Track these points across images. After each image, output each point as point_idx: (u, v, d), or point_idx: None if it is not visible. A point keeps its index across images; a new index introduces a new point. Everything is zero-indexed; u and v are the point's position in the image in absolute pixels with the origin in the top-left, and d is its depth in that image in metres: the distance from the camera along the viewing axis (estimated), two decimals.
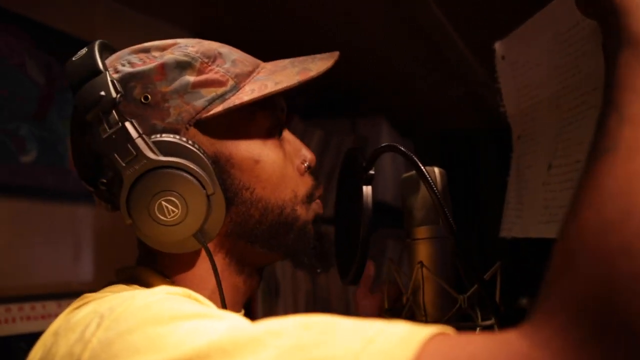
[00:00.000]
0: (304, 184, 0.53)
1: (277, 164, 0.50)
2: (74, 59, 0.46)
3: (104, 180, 0.46)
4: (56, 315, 1.11)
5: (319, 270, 0.58)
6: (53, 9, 1.19)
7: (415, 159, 0.48)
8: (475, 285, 0.51)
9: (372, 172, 0.54)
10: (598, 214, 0.25)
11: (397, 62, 1.19)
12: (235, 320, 0.34)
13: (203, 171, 0.44)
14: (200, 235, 0.45)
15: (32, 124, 1.12)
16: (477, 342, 0.26)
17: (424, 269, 0.53)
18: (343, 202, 0.62)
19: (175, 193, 0.43)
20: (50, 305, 1.02)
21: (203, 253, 0.48)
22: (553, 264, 0.26)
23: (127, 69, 0.46)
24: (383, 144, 0.53)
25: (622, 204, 0.24)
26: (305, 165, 0.54)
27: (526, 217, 0.57)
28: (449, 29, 1.04)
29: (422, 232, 0.56)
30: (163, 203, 0.43)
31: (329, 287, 1.72)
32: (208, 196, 0.44)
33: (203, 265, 0.48)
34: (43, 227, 1.14)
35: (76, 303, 0.42)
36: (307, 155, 0.54)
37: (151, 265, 0.49)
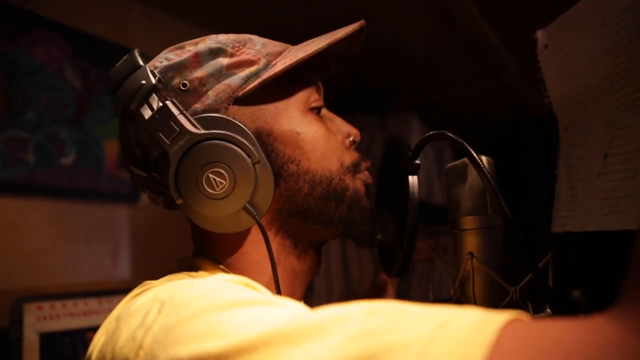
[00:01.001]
0: (350, 155, 0.53)
1: (320, 135, 0.51)
2: (117, 64, 0.48)
3: (153, 167, 0.47)
4: (97, 312, 1.13)
5: (379, 236, 0.57)
6: (88, 16, 1.22)
7: (467, 146, 0.47)
8: (528, 276, 0.50)
9: (418, 161, 0.54)
10: None
11: (427, 57, 1.17)
12: (296, 307, 0.33)
13: (246, 140, 0.45)
14: (251, 207, 0.45)
15: (71, 128, 1.15)
16: (562, 327, 0.25)
17: (473, 260, 0.52)
18: (385, 192, 0.62)
19: (221, 164, 0.44)
20: (92, 302, 1.04)
21: (257, 237, 0.49)
22: None
23: (165, 63, 0.48)
24: (431, 132, 0.52)
25: None
26: (350, 139, 0.54)
27: (581, 210, 0.55)
28: (481, 22, 1.03)
29: (470, 222, 0.55)
30: (210, 176, 0.44)
31: (362, 280, 1.71)
32: (254, 165, 0.45)
33: (258, 249, 0.49)
34: (83, 227, 1.17)
35: (137, 290, 0.43)
36: (351, 130, 0.55)
37: (207, 255, 0.50)
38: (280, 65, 0.48)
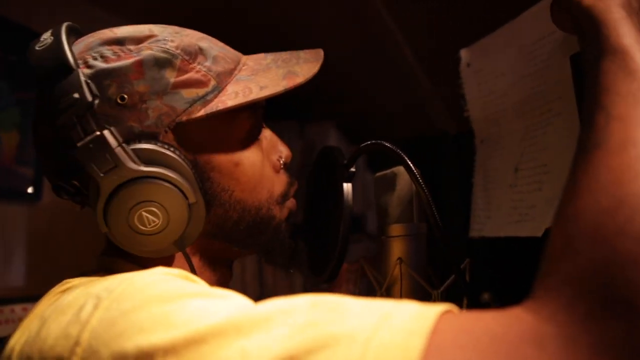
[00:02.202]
0: (280, 183, 0.53)
1: (256, 166, 0.50)
2: (38, 47, 0.42)
3: (76, 183, 0.44)
4: None
5: (291, 270, 0.58)
6: None
7: (405, 157, 0.49)
8: (450, 279, 0.53)
9: (353, 169, 0.55)
10: (594, 202, 0.28)
11: (347, 69, 1.21)
12: (242, 300, 0.33)
13: (185, 179, 0.43)
14: (180, 242, 0.44)
15: None
16: (488, 317, 0.27)
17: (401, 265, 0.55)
18: (316, 199, 0.62)
19: (156, 203, 0.42)
20: None
21: (179, 253, 0.47)
22: (553, 247, 0.29)
23: (101, 64, 0.43)
24: (368, 142, 0.53)
25: (615, 193, 0.27)
26: (282, 161, 0.54)
27: (495, 217, 0.60)
28: (399, 38, 1.08)
29: (398, 229, 0.57)
30: (143, 213, 0.42)
31: (276, 287, 1.71)
32: (189, 205, 0.43)
33: (178, 262, 0.47)
34: None
35: (58, 288, 0.40)
36: (283, 151, 0.54)
37: (126, 257, 0.46)
38: (230, 93, 0.46)
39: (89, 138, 0.40)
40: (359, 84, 1.38)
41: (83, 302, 0.33)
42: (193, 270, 0.45)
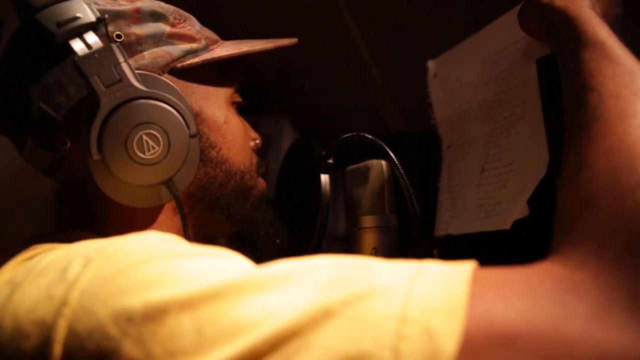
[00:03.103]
0: (255, 157, 0.55)
1: (240, 129, 0.51)
2: None
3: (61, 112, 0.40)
4: None
5: (278, 241, 0.57)
6: None
7: (388, 149, 0.51)
8: None
9: (331, 160, 0.56)
10: (609, 163, 0.30)
11: (303, 63, 1.22)
12: (251, 264, 0.31)
13: (188, 111, 0.42)
14: (172, 184, 0.42)
15: None
16: (519, 270, 0.27)
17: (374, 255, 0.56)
18: (290, 190, 0.63)
19: (159, 128, 0.40)
20: None
21: (161, 218, 0.45)
22: (570, 209, 0.30)
23: (96, 7, 0.42)
24: (348, 134, 0.55)
25: (627, 154, 0.30)
26: (257, 142, 0.56)
27: (460, 216, 0.63)
28: (357, 35, 1.10)
29: (370, 220, 0.58)
30: (144, 137, 0.40)
31: None
32: (190, 137, 0.42)
33: (165, 226, 0.45)
34: None
35: (26, 254, 0.36)
36: (255, 134, 0.56)
37: (94, 229, 0.43)
38: (221, 50, 0.48)
39: (94, 49, 0.38)
40: (314, 79, 1.39)
41: (67, 263, 0.30)
42: (185, 225, 0.42)
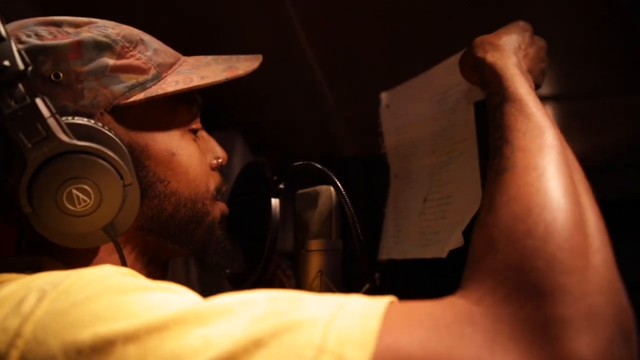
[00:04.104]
0: (214, 180, 0.54)
1: (193, 158, 0.50)
2: None
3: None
4: None
5: (227, 271, 0.58)
6: None
7: (334, 178, 0.54)
8: (365, 287, 0.58)
9: (282, 186, 0.58)
10: (509, 210, 0.35)
11: (256, 79, 1.24)
12: (197, 296, 0.33)
13: (121, 159, 0.41)
14: (111, 228, 0.42)
15: None
16: (428, 304, 0.32)
17: (320, 278, 0.58)
18: (239, 210, 0.64)
19: (88, 181, 0.40)
20: None
21: (109, 248, 0.45)
22: (477, 247, 0.35)
23: (34, 40, 0.42)
24: (299, 162, 0.57)
25: (524, 204, 0.34)
26: (219, 161, 0.55)
27: (403, 242, 0.66)
28: (311, 56, 1.13)
29: (316, 244, 0.61)
30: (74, 191, 0.39)
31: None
32: (125, 186, 0.42)
33: (110, 259, 0.45)
34: None
35: None
36: (220, 152, 0.55)
37: (51, 255, 0.43)
38: (171, 82, 0.46)
39: (18, 105, 0.37)
40: (267, 96, 1.40)
41: (23, 295, 0.31)
42: (124, 264, 0.43)
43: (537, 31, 0.57)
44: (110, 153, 0.41)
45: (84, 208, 0.40)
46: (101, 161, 0.40)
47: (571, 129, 1.47)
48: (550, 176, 0.35)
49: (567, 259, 0.31)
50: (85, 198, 0.40)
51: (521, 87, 0.44)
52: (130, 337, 0.28)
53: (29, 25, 0.43)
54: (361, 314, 0.30)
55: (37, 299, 0.31)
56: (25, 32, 0.42)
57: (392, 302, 0.32)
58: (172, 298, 0.32)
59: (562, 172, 0.36)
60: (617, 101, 1.33)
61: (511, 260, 0.32)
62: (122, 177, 0.41)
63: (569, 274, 0.30)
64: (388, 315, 0.30)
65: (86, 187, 0.40)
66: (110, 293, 0.31)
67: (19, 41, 0.42)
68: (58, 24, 0.44)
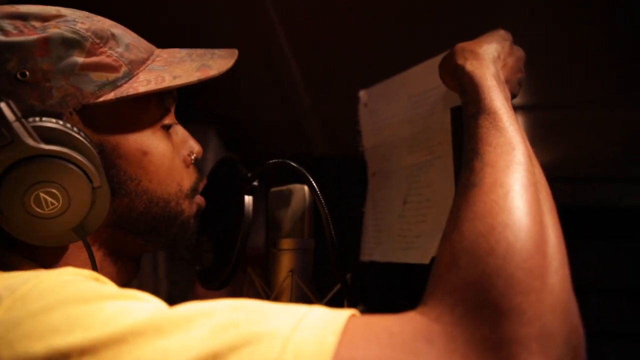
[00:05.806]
0: (189, 177, 0.53)
1: (166, 156, 0.49)
2: None
3: None
4: None
5: (197, 267, 0.58)
6: None
7: (309, 177, 0.53)
8: (335, 288, 0.58)
9: (255, 183, 0.58)
10: (473, 228, 0.35)
11: (231, 76, 1.23)
12: (159, 303, 0.33)
13: (89, 162, 0.41)
14: (80, 229, 0.41)
15: None
16: (388, 319, 0.32)
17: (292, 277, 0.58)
18: (211, 208, 0.63)
19: (56, 184, 0.39)
20: None
21: (78, 244, 0.44)
22: (440, 262, 0.35)
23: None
24: (274, 160, 0.56)
25: (488, 222, 0.34)
26: (193, 157, 0.54)
27: (385, 244, 0.66)
28: (289, 55, 1.12)
29: (288, 243, 0.61)
30: (41, 194, 0.39)
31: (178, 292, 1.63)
32: (94, 189, 0.41)
33: (80, 256, 0.44)
34: None
35: None
36: (194, 147, 0.55)
37: (21, 251, 0.42)
38: (143, 81, 0.45)
39: None
40: (242, 92, 1.39)
41: None
42: (94, 263, 0.43)
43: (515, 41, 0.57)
44: (77, 156, 0.40)
45: (52, 211, 0.40)
46: (69, 165, 0.40)
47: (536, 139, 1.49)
48: (515, 195, 0.36)
49: (525, 279, 0.31)
50: (54, 201, 0.40)
51: (497, 99, 0.45)
52: (87, 350, 0.28)
53: None
54: (320, 328, 0.30)
55: None
56: None
57: (352, 316, 0.32)
58: (133, 307, 0.31)
59: (528, 190, 0.36)
60: (579, 114, 1.36)
61: (472, 277, 0.32)
62: (90, 180, 0.41)
63: (526, 294, 0.30)
64: (347, 329, 0.30)
65: (54, 190, 0.40)
66: (68, 303, 0.30)
67: None
68: (24, 17, 0.42)
